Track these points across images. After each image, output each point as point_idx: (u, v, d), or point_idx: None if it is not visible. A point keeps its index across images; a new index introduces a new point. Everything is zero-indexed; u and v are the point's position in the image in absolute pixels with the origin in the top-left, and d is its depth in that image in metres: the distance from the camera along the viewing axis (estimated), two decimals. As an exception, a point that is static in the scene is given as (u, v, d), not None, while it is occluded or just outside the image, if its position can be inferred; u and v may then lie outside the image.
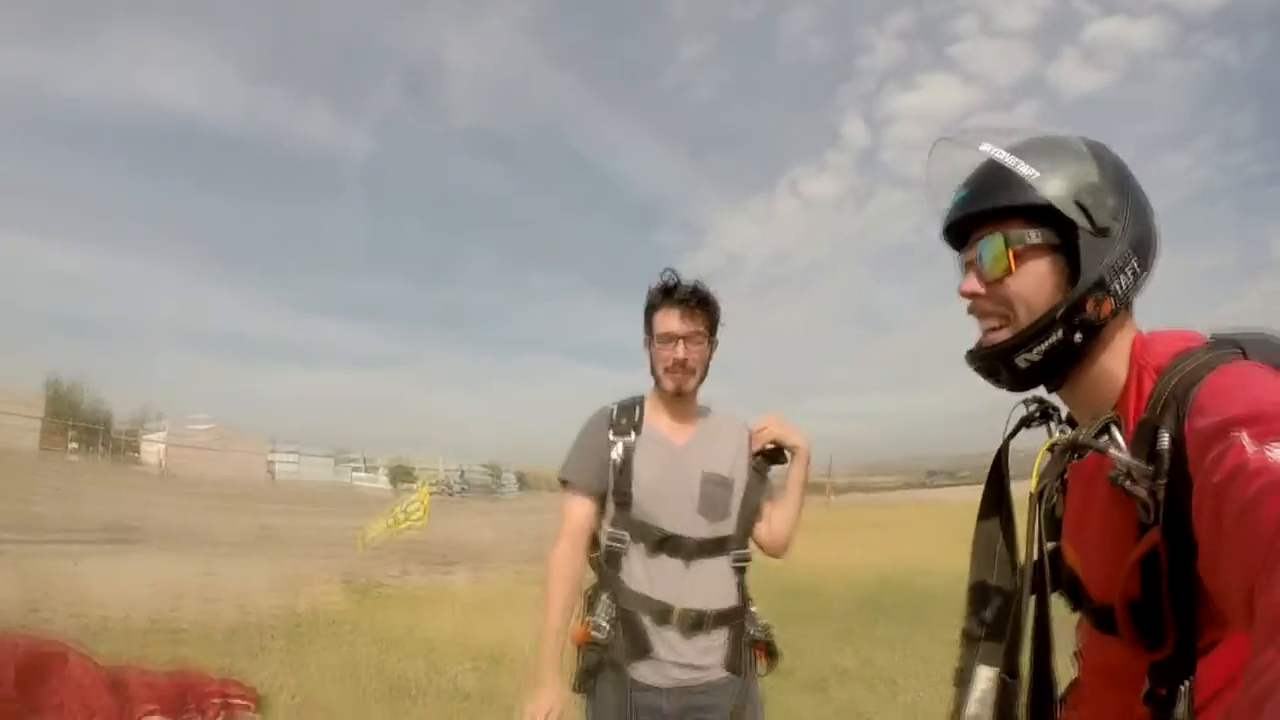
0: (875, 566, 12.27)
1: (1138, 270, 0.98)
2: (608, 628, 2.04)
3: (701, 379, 2.21)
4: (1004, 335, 1.03)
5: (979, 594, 1.19)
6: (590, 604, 2.12)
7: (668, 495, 2.11)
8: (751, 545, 2.23)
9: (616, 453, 2.14)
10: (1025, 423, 1.16)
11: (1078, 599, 1.08)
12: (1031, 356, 1.01)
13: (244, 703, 5.10)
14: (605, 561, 2.13)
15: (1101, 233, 0.96)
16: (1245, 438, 0.71)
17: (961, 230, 1.09)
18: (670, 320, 2.12)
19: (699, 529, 2.10)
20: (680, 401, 2.21)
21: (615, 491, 2.13)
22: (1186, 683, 0.85)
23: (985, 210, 1.04)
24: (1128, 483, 0.87)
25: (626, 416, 2.20)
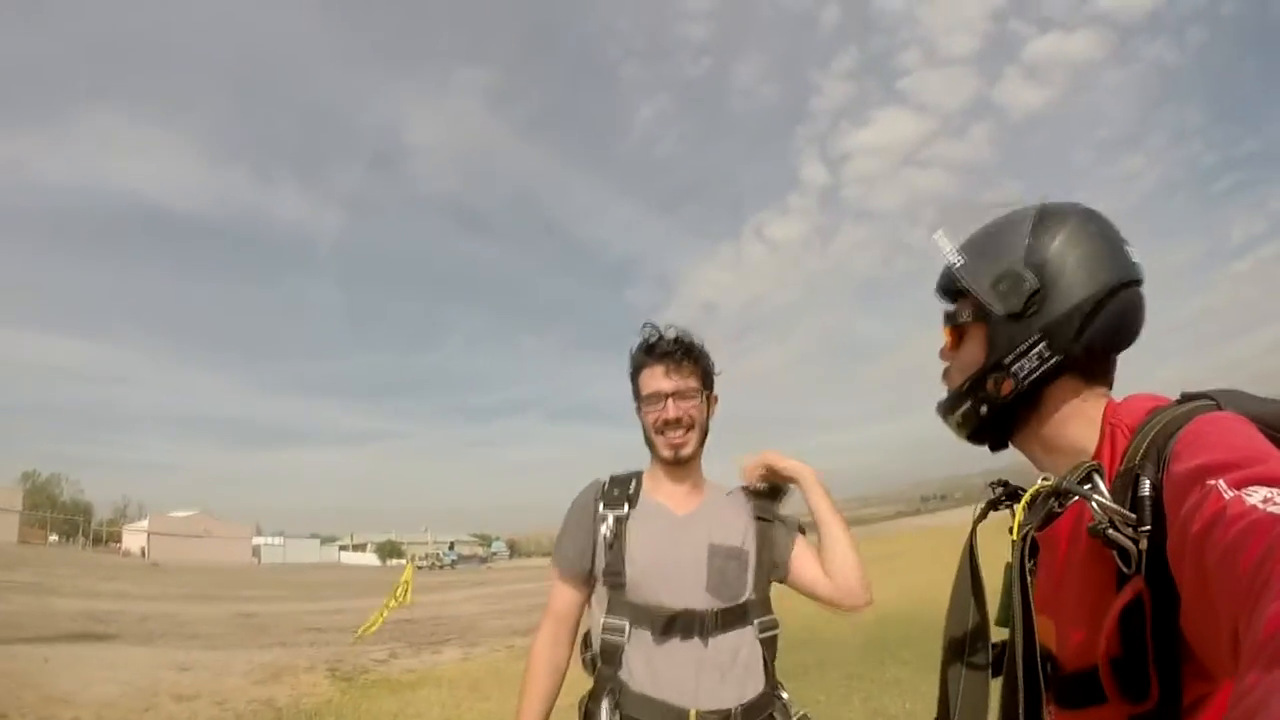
0: (877, 604, 11.87)
1: (1045, 355, 1.04)
2: None
3: (702, 440, 1.94)
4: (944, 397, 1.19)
5: (952, 679, 1.19)
6: (591, 714, 1.76)
7: (668, 571, 1.80)
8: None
9: (606, 527, 1.86)
10: (992, 505, 1.20)
11: (1046, 678, 1.01)
12: (956, 418, 1.16)
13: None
14: (603, 659, 1.79)
15: (1012, 317, 1.05)
16: (1222, 484, 0.71)
17: None
18: (655, 378, 1.88)
19: (711, 603, 1.79)
20: (681, 470, 1.93)
21: (606, 573, 1.83)
22: None
23: (939, 289, 1.20)
24: (1110, 531, 0.87)
25: (619, 488, 1.92)
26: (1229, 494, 0.70)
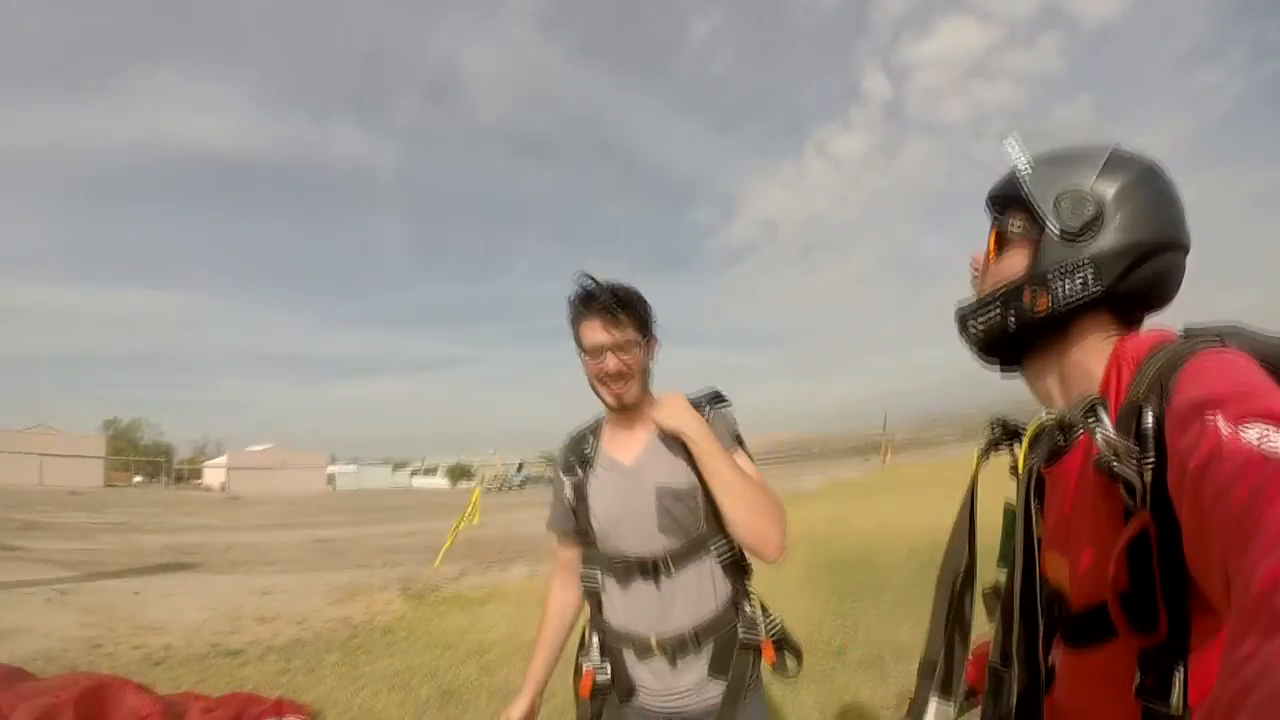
0: (935, 529, 11.81)
1: (1089, 282, 1.03)
2: (608, 668, 2.00)
3: (645, 383, 2.03)
4: (970, 300, 1.18)
5: (942, 617, 1.24)
6: (582, 643, 2.11)
7: (624, 523, 1.97)
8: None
9: (567, 493, 2.08)
10: (993, 445, 1.22)
11: (1056, 617, 1.06)
12: (977, 326, 1.15)
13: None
14: (588, 599, 2.10)
15: (1066, 236, 1.05)
16: (1220, 420, 0.72)
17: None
18: (595, 331, 1.93)
19: (664, 545, 1.94)
20: (627, 416, 2.04)
21: (578, 531, 2.09)
22: (1180, 669, 0.83)
23: (993, 195, 1.18)
24: (1115, 463, 0.88)
25: (574, 452, 2.12)
26: (1226, 429, 0.70)
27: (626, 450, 2.04)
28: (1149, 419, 0.87)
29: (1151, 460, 0.85)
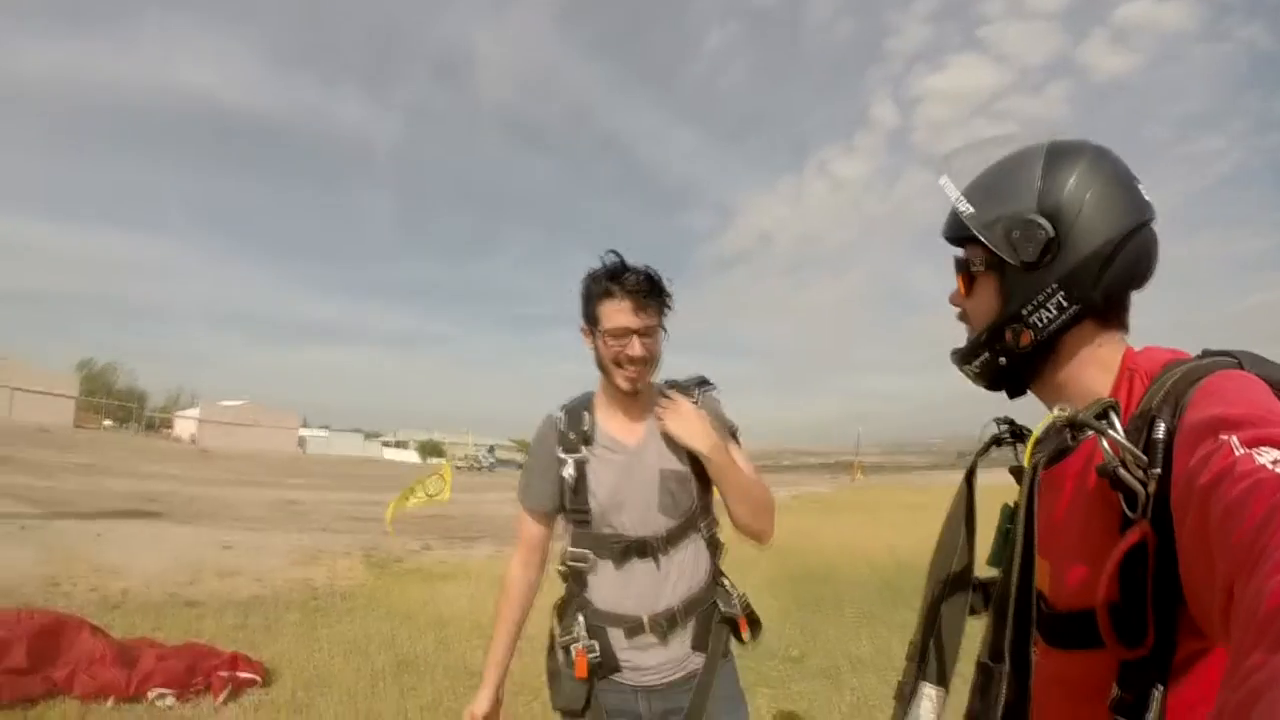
0: (899, 549, 11.95)
1: (1064, 304, 1.02)
2: (596, 647, 1.96)
3: (655, 370, 2.02)
4: (961, 345, 1.18)
5: (934, 607, 1.21)
6: (561, 621, 2.06)
7: (627, 504, 1.98)
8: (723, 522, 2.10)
9: (568, 471, 2.00)
10: (995, 441, 1.22)
11: (1037, 614, 1.03)
12: (974, 369, 1.15)
13: (252, 676, 5.13)
14: (572, 578, 2.04)
15: (1028, 267, 1.03)
16: (1235, 440, 0.71)
17: None
18: (623, 314, 1.91)
19: (664, 525, 1.99)
20: (629, 397, 2.01)
21: (572, 510, 2.01)
22: (1159, 688, 0.84)
23: (947, 237, 1.17)
24: (1121, 470, 0.87)
25: (575, 427, 2.03)
26: (1240, 450, 0.70)
27: (627, 430, 2.05)
28: (1160, 430, 0.86)
29: (1158, 472, 0.85)
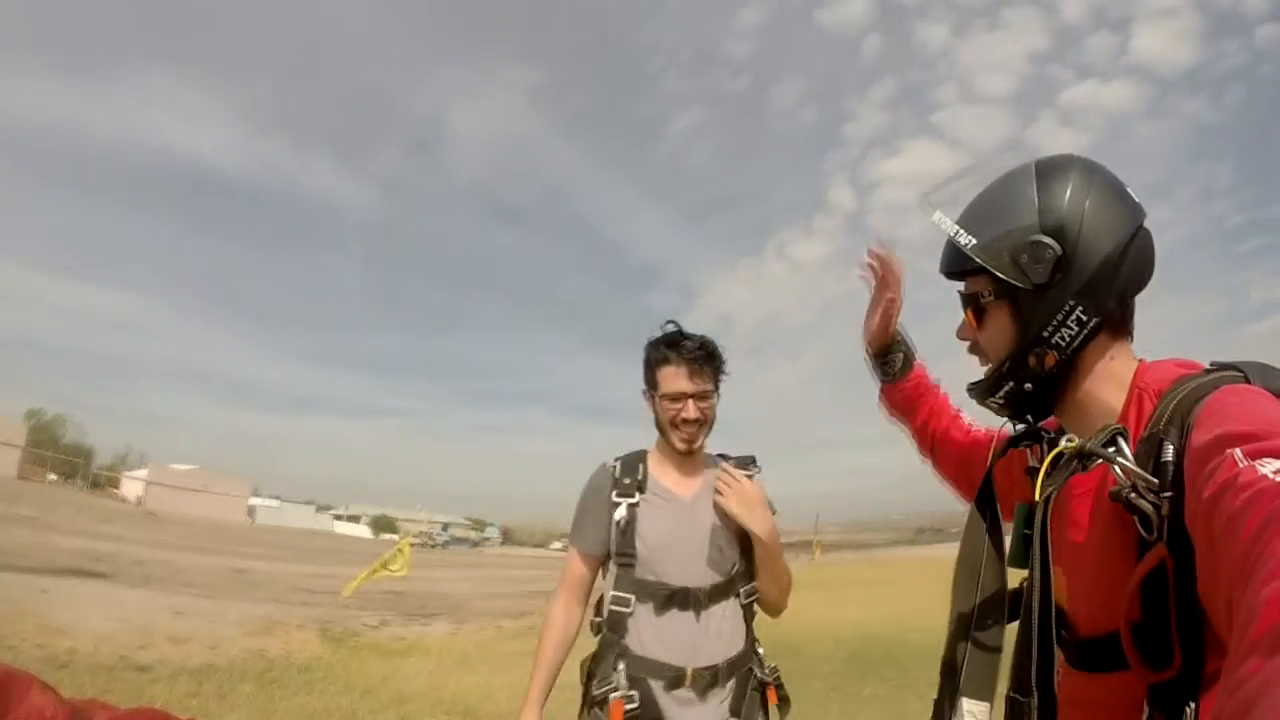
0: (864, 624, 11.98)
1: (1084, 319, 1.02)
2: (636, 697, 1.94)
3: (708, 432, 2.15)
4: (980, 379, 1.16)
5: (964, 620, 1.17)
6: (595, 674, 2.02)
7: (675, 551, 2.04)
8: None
9: (620, 514, 2.07)
10: (1013, 443, 1.22)
11: (1061, 639, 1.03)
12: (999, 400, 1.13)
13: (211, 747, 4.89)
14: (609, 627, 2.04)
15: (1040, 288, 1.03)
16: (1238, 453, 0.71)
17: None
18: (679, 379, 2.06)
19: (708, 579, 2.04)
20: (690, 457, 2.14)
21: (618, 554, 2.06)
22: (1191, 706, 0.81)
23: (948, 272, 1.17)
24: (1133, 495, 0.87)
25: (630, 475, 2.12)
26: (1243, 463, 0.70)
27: (681, 485, 2.14)
28: (1169, 452, 0.86)
29: (1170, 494, 0.84)
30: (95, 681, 5.63)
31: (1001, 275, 1.05)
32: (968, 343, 1.18)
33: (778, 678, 2.12)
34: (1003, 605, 1.14)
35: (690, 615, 2.00)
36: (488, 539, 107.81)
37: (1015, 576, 1.13)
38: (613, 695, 1.94)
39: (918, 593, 16.85)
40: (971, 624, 1.15)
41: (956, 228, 1.10)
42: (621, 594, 2.03)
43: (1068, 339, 1.03)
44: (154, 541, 20.15)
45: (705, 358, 2.07)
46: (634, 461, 2.17)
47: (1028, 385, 1.09)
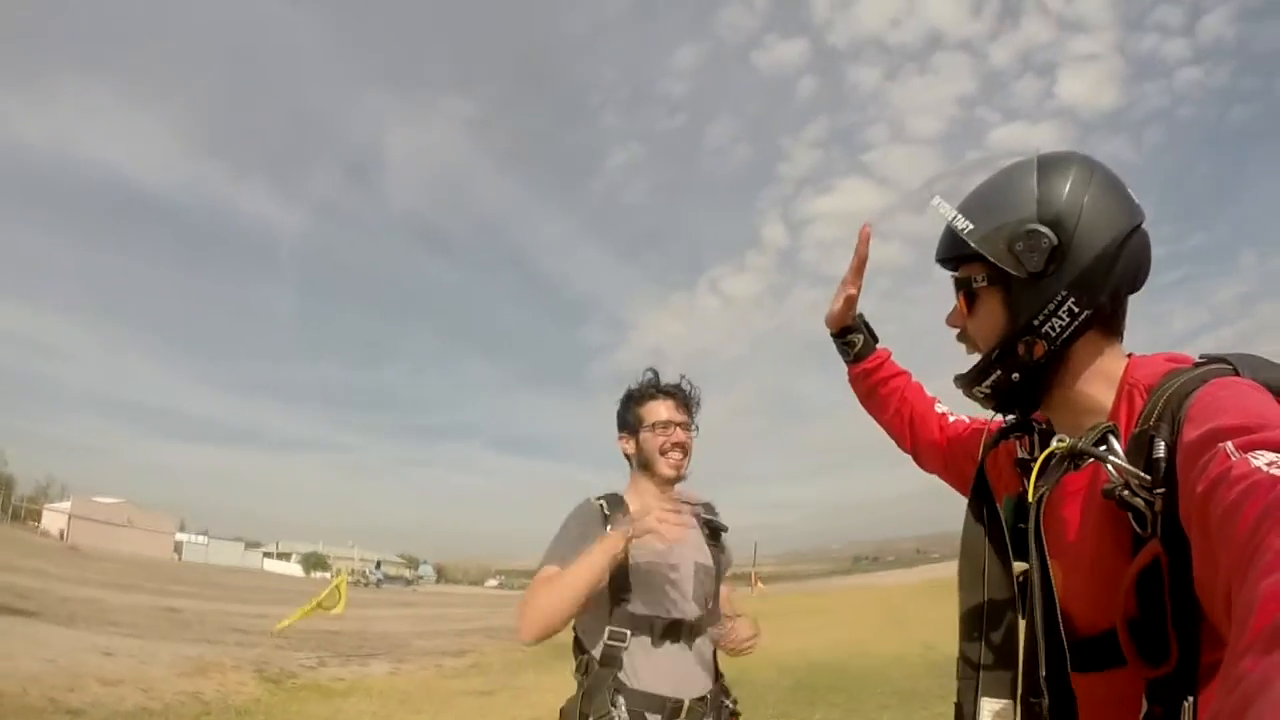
0: (808, 652, 12.08)
1: (1075, 310, 1.02)
2: None
3: (687, 464, 2.26)
4: (967, 368, 1.15)
5: (975, 617, 1.14)
6: (589, 713, 1.94)
7: (666, 585, 2.10)
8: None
9: None
10: (1005, 434, 1.23)
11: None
12: (984, 389, 1.12)
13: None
14: (602, 663, 2.01)
15: (1034, 277, 1.03)
16: (1230, 446, 0.72)
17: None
18: (666, 409, 2.22)
19: (694, 611, 2.12)
20: (670, 489, 2.24)
21: (613, 588, 2.02)
22: (1189, 700, 0.82)
23: (944, 258, 1.18)
24: (1125, 493, 0.87)
25: (615, 509, 2.15)
26: (1235, 456, 0.70)
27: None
28: (1160, 449, 0.87)
29: (1162, 490, 0.85)
30: (26, 725, 5.46)
31: (996, 261, 1.05)
32: (957, 330, 1.19)
33: (736, 707, 2.23)
34: (1012, 600, 1.11)
35: (683, 646, 2.09)
36: (422, 577, 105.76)
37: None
38: None
39: (859, 620, 17.04)
40: (984, 620, 1.13)
41: (955, 213, 1.11)
42: (617, 628, 2.04)
43: (1058, 329, 1.03)
44: (79, 578, 19.54)
45: (686, 394, 2.28)
46: (617, 497, 2.22)
47: (1015, 375, 1.08)
